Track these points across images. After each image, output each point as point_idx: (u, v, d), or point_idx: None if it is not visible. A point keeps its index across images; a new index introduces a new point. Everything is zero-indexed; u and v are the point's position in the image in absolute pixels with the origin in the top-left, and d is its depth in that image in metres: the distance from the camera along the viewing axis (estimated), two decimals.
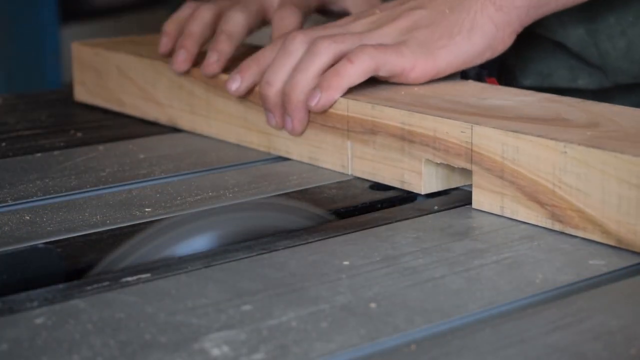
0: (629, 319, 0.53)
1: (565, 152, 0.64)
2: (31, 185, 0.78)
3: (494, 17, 0.81)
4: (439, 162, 0.72)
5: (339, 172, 0.80)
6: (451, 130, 0.71)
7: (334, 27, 0.82)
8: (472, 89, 0.80)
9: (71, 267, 0.63)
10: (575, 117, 0.71)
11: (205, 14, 0.92)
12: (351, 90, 0.78)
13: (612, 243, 0.63)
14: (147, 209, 0.72)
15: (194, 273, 0.60)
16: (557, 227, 0.66)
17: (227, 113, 0.89)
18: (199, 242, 0.66)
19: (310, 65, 0.78)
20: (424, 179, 0.73)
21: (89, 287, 0.58)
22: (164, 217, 0.69)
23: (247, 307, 0.55)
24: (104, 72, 1.01)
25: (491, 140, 0.68)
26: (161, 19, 0.99)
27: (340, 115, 0.78)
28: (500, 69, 0.88)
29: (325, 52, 0.78)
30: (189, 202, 0.73)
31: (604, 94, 0.96)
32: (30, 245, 0.64)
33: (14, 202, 0.74)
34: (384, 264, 0.61)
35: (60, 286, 0.58)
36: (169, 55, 0.93)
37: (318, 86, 0.78)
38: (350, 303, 0.56)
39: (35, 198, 0.75)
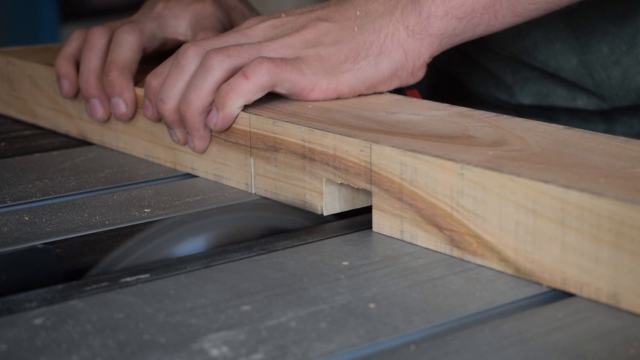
0: (628, 320, 0.53)
1: (462, 174, 0.60)
2: (30, 185, 0.78)
3: (404, 44, 0.76)
4: (339, 182, 0.68)
5: (244, 191, 0.75)
6: (350, 148, 0.67)
7: (231, 35, 0.77)
8: (384, 102, 0.76)
9: (70, 267, 0.63)
10: (483, 134, 0.67)
11: (97, 43, 0.85)
12: (257, 103, 0.74)
13: (510, 272, 0.59)
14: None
15: (193, 273, 0.60)
16: (456, 253, 0.62)
17: (135, 127, 0.84)
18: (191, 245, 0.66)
19: (203, 82, 0.73)
20: (325, 200, 0.69)
21: (88, 288, 0.58)
22: None
23: (246, 308, 0.55)
24: (17, 82, 0.97)
25: (389, 160, 0.64)
26: None
27: (242, 130, 0.74)
28: (427, 79, 0.84)
29: (219, 67, 0.73)
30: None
31: (605, 114, 0.94)
32: (29, 246, 0.64)
33: (13, 203, 0.74)
34: (383, 264, 0.61)
35: (59, 286, 0.58)
36: (75, 96, 0.88)
37: (214, 104, 0.74)
38: (349, 303, 0.56)
39: (34, 199, 0.75)
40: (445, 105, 0.75)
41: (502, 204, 0.58)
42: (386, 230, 0.65)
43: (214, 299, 0.56)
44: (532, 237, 0.57)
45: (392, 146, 0.64)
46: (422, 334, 0.53)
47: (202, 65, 0.74)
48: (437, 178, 0.62)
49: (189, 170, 0.80)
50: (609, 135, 0.66)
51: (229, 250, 0.64)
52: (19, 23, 2.55)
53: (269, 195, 0.73)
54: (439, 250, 0.62)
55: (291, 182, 0.71)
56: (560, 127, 0.68)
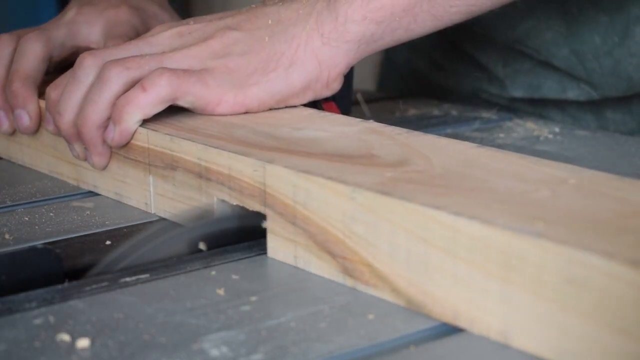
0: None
1: (354, 198, 0.56)
2: (30, 186, 0.77)
3: (319, 53, 0.72)
4: (235, 203, 0.64)
5: (144, 212, 0.71)
6: (245, 168, 0.62)
7: (134, 44, 0.73)
8: (293, 116, 0.72)
9: (70, 267, 0.62)
10: (387, 153, 0.63)
11: (1, 52, 0.81)
12: (160, 117, 0.70)
13: (402, 304, 0.55)
14: None
15: (192, 273, 0.60)
16: (349, 282, 0.57)
17: (39, 141, 0.80)
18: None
19: (100, 95, 0.69)
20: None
21: (87, 288, 0.58)
22: None
23: (246, 308, 0.55)
24: None
25: (282, 181, 0.60)
26: None
27: (141, 147, 0.70)
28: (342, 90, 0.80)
29: (116, 80, 0.69)
30: None
31: (595, 104, 0.93)
32: (29, 246, 0.63)
33: (12, 203, 0.73)
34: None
35: (59, 287, 0.58)
36: None
37: (111, 118, 0.69)
38: (349, 304, 0.55)
39: (34, 199, 0.74)
40: (358, 120, 0.71)
41: (393, 231, 0.54)
42: (280, 256, 0.61)
43: (213, 299, 0.56)
44: (424, 267, 0.53)
45: (285, 167, 0.60)
46: (422, 335, 0.52)
47: (99, 77, 0.69)
48: (329, 202, 0.57)
49: (91, 188, 0.76)
50: (521, 156, 0.62)
51: (229, 250, 0.63)
52: (19, 23, 2.54)
53: (168, 216, 0.69)
54: (332, 278, 0.58)
55: (188, 202, 0.67)
56: (473, 145, 0.64)
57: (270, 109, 0.74)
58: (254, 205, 0.62)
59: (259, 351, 0.50)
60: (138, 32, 0.85)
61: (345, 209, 0.57)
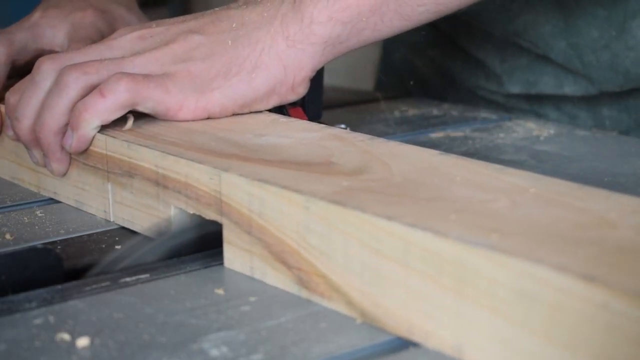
0: None
1: (308, 208, 0.55)
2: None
3: (283, 57, 0.71)
4: (192, 212, 0.62)
5: (104, 220, 0.70)
6: (201, 176, 0.61)
7: (93, 48, 0.71)
8: (256, 122, 0.71)
9: (70, 267, 0.62)
10: (347, 160, 0.61)
11: None
12: (117, 122, 0.69)
13: (357, 316, 0.53)
14: None
15: (192, 273, 0.60)
16: (304, 294, 0.56)
17: (1, 146, 0.79)
18: None
19: (58, 101, 0.67)
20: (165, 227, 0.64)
21: (87, 288, 0.57)
22: None
23: (246, 308, 0.55)
24: None
25: (238, 190, 0.59)
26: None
27: (100, 153, 0.69)
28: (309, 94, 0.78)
29: (73, 85, 0.67)
30: None
31: (591, 100, 0.93)
32: (29, 246, 0.63)
33: (12, 204, 0.73)
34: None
35: (59, 287, 0.58)
36: None
37: (69, 124, 0.68)
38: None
39: (33, 199, 0.74)
40: (321, 126, 0.70)
41: (347, 241, 0.53)
42: (237, 266, 0.60)
43: (213, 299, 0.56)
44: (377, 279, 0.52)
45: (241, 175, 0.58)
46: None
47: (57, 82, 0.68)
48: (283, 211, 0.56)
49: (52, 195, 0.74)
50: (484, 164, 0.60)
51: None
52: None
53: (126, 225, 0.68)
54: (288, 290, 0.57)
55: (146, 210, 0.65)
56: (435, 153, 0.63)
57: (234, 115, 0.72)
58: (211, 214, 0.61)
59: (259, 351, 0.50)
60: (103, 35, 0.83)
61: (299, 219, 0.55)
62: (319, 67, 0.73)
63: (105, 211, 0.69)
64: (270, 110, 0.74)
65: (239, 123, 0.70)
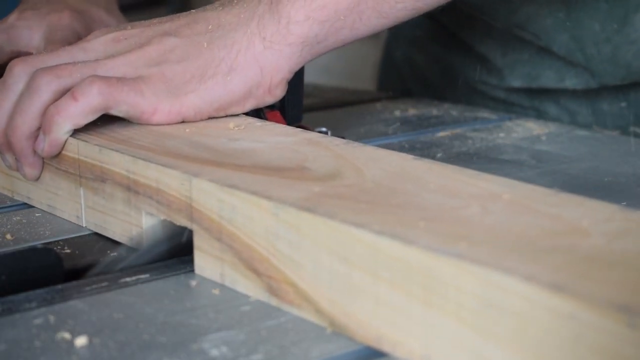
0: None
1: (277, 214, 0.54)
2: None
3: (260, 58, 0.70)
4: (163, 217, 0.61)
5: (76, 225, 0.69)
6: (172, 181, 0.60)
7: (67, 51, 0.70)
8: (231, 126, 0.70)
9: (70, 267, 0.61)
10: (320, 165, 0.60)
11: None
12: (90, 126, 0.68)
13: (326, 325, 0.52)
14: None
15: (192, 274, 0.60)
16: (274, 302, 0.55)
17: None
18: None
19: (29, 104, 0.66)
20: (147, 236, 0.63)
21: (87, 288, 0.57)
22: None
23: (245, 308, 0.55)
24: None
25: (208, 196, 0.58)
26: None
27: (72, 158, 0.68)
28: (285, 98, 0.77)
29: (46, 89, 0.66)
30: None
31: (592, 94, 0.94)
32: (29, 246, 0.63)
33: (13, 204, 0.73)
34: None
35: (59, 287, 0.58)
36: None
37: (41, 128, 0.67)
38: None
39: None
40: (297, 131, 0.69)
41: (316, 249, 0.52)
42: (208, 273, 0.59)
43: (213, 299, 0.56)
44: (346, 287, 0.51)
45: (211, 180, 0.57)
46: None
47: (29, 86, 0.67)
48: (253, 218, 0.55)
49: (25, 200, 0.73)
50: (458, 169, 0.59)
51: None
52: None
53: (98, 230, 0.67)
54: (258, 297, 0.56)
55: (118, 216, 0.65)
56: (410, 157, 0.62)
57: (210, 118, 0.71)
58: (181, 220, 0.60)
59: (259, 351, 0.50)
60: (80, 37, 0.82)
61: (268, 226, 0.54)
62: (296, 68, 0.72)
63: (77, 216, 0.68)
64: (247, 114, 0.73)
65: (214, 127, 0.69)
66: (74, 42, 0.80)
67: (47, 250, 0.60)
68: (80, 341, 0.50)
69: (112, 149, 0.64)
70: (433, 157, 0.85)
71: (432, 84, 1.09)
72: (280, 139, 0.66)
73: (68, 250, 0.65)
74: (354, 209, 0.52)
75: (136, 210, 0.63)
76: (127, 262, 0.61)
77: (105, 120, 0.69)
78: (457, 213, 0.52)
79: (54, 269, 0.60)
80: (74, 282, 0.58)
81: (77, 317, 0.53)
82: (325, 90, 1.22)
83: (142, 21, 0.74)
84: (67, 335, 0.51)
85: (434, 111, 1.02)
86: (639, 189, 0.76)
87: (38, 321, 0.53)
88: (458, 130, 0.94)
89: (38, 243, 0.65)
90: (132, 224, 0.63)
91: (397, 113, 1.02)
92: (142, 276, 0.59)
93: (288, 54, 0.71)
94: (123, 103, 0.67)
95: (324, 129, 0.86)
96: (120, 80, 0.67)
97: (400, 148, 0.88)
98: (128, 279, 0.59)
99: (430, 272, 0.46)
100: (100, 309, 0.54)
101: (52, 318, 0.53)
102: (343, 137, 0.87)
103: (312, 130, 0.83)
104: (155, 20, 0.73)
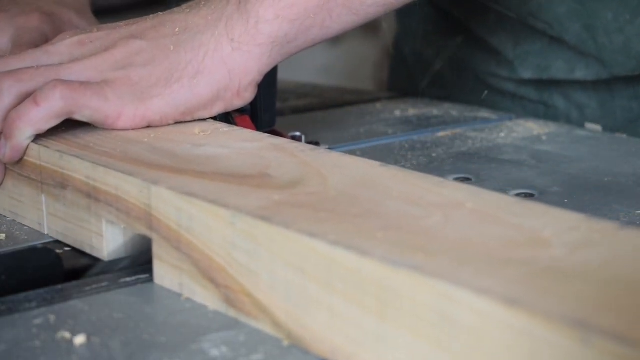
0: None
1: (234, 224, 0.52)
2: None
3: (228, 61, 0.68)
4: (123, 226, 0.60)
5: (38, 232, 0.67)
6: (131, 189, 0.59)
7: (30, 54, 0.69)
8: (197, 131, 0.68)
9: (70, 267, 0.61)
10: (283, 172, 0.59)
11: None
12: (54, 131, 0.66)
13: (283, 337, 0.51)
14: None
15: None
16: (232, 313, 0.54)
17: None
18: None
19: None
20: (107, 244, 0.61)
21: (87, 288, 0.57)
22: None
23: None
24: None
25: (167, 204, 0.56)
26: None
27: (33, 164, 0.66)
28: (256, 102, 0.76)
29: (7, 93, 0.65)
30: None
31: (602, 86, 0.94)
32: (29, 246, 0.63)
33: None
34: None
35: (59, 287, 0.58)
36: None
37: (3, 133, 0.66)
38: None
39: None
40: (265, 136, 0.68)
41: (272, 259, 0.51)
42: (167, 283, 0.58)
43: None
44: (302, 299, 0.49)
45: (169, 188, 0.56)
46: None
47: None
48: (211, 226, 0.54)
49: None
50: (423, 176, 0.58)
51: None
52: None
53: (60, 238, 0.65)
54: (216, 309, 0.55)
55: (78, 223, 0.63)
56: (377, 164, 0.60)
57: (177, 123, 0.70)
58: (141, 229, 0.58)
59: (259, 351, 0.49)
60: (49, 40, 0.81)
61: (226, 235, 0.53)
62: (266, 70, 0.71)
63: (39, 223, 0.67)
64: (216, 119, 0.72)
65: (179, 132, 0.68)
66: (43, 44, 0.79)
67: (47, 250, 0.60)
68: (80, 341, 0.50)
69: (72, 155, 0.63)
70: (433, 157, 0.85)
71: (441, 79, 1.09)
72: (245, 145, 0.65)
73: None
74: (313, 218, 0.51)
75: (97, 217, 0.61)
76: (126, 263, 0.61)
77: (70, 125, 0.68)
78: (418, 222, 0.50)
79: (54, 269, 0.59)
80: (74, 282, 0.58)
81: (77, 317, 0.53)
82: (325, 90, 1.22)
83: (109, 24, 0.72)
84: (67, 335, 0.51)
85: (434, 111, 1.02)
86: (639, 189, 0.76)
87: (38, 321, 0.53)
88: (458, 130, 0.94)
89: (38, 243, 0.65)
90: (92, 232, 0.62)
91: (397, 113, 1.02)
92: (142, 276, 0.58)
93: (257, 55, 0.69)
94: (86, 108, 0.66)
95: (297, 134, 0.85)
96: (84, 84, 0.66)
97: (401, 148, 0.88)
98: (128, 279, 0.58)
99: (385, 284, 0.45)
100: (100, 309, 0.54)
101: (52, 318, 0.53)
102: (317, 143, 0.86)
103: (286, 135, 0.82)
104: (122, 23, 0.72)
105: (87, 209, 0.62)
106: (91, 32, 0.71)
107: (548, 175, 0.79)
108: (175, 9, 0.72)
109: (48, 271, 0.59)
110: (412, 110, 1.03)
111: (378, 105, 1.07)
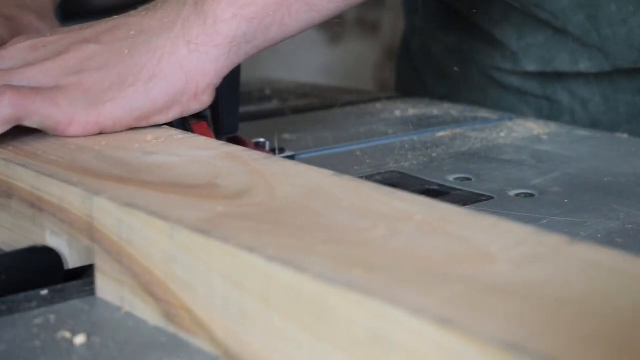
0: None
1: (173, 236, 0.50)
2: None
3: (185, 63, 0.67)
4: (66, 237, 0.58)
5: None
6: (74, 199, 0.57)
7: None
8: (150, 138, 0.66)
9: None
10: (232, 182, 0.57)
11: None
12: (5, 137, 0.64)
13: (221, 354, 0.49)
14: None
15: None
16: (172, 329, 0.52)
17: None
18: None
19: None
20: None
21: (87, 288, 0.57)
22: None
23: None
24: None
25: (108, 215, 0.54)
26: None
27: None
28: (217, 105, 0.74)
29: None
30: None
31: (605, 79, 0.94)
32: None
33: None
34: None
35: (59, 286, 0.57)
36: None
37: None
38: None
39: None
40: (219, 144, 0.66)
41: (210, 274, 0.49)
42: (109, 297, 0.56)
43: None
44: (240, 315, 0.47)
45: (110, 199, 0.54)
46: None
47: None
48: (151, 239, 0.52)
49: None
50: (377, 186, 0.56)
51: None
52: None
53: (6, 248, 0.64)
54: (157, 324, 0.53)
55: (24, 234, 0.61)
56: (329, 173, 0.59)
57: (131, 129, 0.68)
58: (83, 240, 0.56)
59: None
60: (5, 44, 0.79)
61: (165, 248, 0.51)
62: (224, 72, 0.69)
63: None
64: (172, 124, 0.70)
65: (131, 139, 0.66)
66: None
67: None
68: (80, 341, 0.50)
69: (18, 164, 0.61)
70: (433, 157, 0.84)
71: (447, 74, 1.09)
72: (198, 153, 0.63)
73: None
74: (254, 231, 0.49)
75: (41, 228, 0.60)
76: None
77: (21, 132, 0.66)
78: (362, 236, 0.48)
79: (54, 269, 0.58)
80: (74, 282, 0.58)
81: (77, 317, 0.53)
82: (325, 90, 1.22)
83: (64, 28, 0.71)
84: (67, 335, 0.50)
85: (434, 111, 1.02)
86: (639, 189, 0.75)
87: (38, 321, 0.52)
88: (458, 130, 0.93)
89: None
90: (37, 243, 0.60)
91: (397, 113, 1.02)
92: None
93: (215, 56, 0.68)
94: (36, 114, 0.64)
95: (262, 140, 0.83)
96: (34, 90, 0.64)
97: (401, 148, 0.88)
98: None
99: (322, 302, 0.43)
100: (100, 309, 0.54)
101: (52, 318, 0.53)
102: (282, 149, 0.84)
103: (248, 142, 0.80)
104: (76, 27, 0.70)
105: (32, 219, 0.60)
106: (45, 37, 0.69)
107: (548, 175, 0.79)
108: (132, 12, 0.71)
109: (48, 271, 0.58)
110: (412, 110, 1.03)
111: (378, 105, 1.07)
